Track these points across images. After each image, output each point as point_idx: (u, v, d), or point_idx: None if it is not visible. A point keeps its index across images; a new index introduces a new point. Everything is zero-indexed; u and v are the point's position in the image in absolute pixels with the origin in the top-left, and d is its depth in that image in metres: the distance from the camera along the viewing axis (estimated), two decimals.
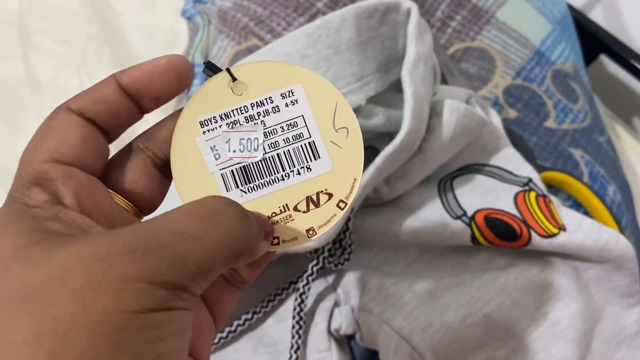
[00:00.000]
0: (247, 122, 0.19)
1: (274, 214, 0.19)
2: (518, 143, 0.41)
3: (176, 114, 0.19)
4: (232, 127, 0.19)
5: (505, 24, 0.48)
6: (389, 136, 0.33)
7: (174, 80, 0.18)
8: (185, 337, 0.14)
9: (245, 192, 0.19)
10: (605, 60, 0.62)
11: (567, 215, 0.35)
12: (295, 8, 0.46)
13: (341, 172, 0.19)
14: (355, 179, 0.19)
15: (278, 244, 0.19)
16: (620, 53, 0.57)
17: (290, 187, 0.19)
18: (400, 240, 0.35)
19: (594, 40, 0.58)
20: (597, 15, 0.66)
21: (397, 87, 0.33)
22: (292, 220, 0.19)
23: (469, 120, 0.34)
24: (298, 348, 0.31)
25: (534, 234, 0.33)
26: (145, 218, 0.19)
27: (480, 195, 0.36)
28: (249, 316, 0.33)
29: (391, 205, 0.36)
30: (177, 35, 0.62)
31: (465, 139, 0.36)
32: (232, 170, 0.19)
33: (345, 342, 0.34)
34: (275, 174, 0.19)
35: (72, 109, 0.17)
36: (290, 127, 0.19)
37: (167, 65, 0.18)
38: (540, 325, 0.34)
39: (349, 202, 0.19)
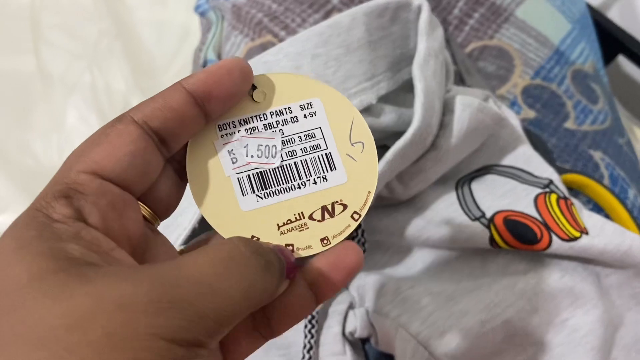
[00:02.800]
0: (265, 130, 0.20)
1: (289, 221, 0.19)
2: (537, 144, 0.40)
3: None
4: (250, 133, 0.19)
5: (524, 22, 0.47)
6: (402, 135, 0.33)
7: (240, 78, 0.18)
8: None
9: (261, 198, 0.19)
10: (623, 60, 0.61)
11: (589, 218, 0.34)
12: (311, 4, 0.46)
13: (356, 185, 0.20)
14: (369, 192, 0.20)
15: (292, 251, 0.19)
16: (639, 54, 0.56)
17: (306, 195, 0.19)
18: (417, 242, 0.34)
19: (612, 41, 0.57)
20: (615, 15, 0.65)
21: (409, 87, 0.32)
22: (307, 228, 0.19)
23: (483, 116, 0.34)
24: (311, 348, 0.30)
25: (554, 238, 0.32)
26: (162, 224, 0.19)
27: (500, 196, 0.35)
28: None
29: (407, 206, 0.35)
30: (189, 31, 0.61)
31: (481, 135, 0.35)
32: (248, 175, 0.19)
33: (359, 345, 0.33)
34: (292, 181, 0.19)
35: (135, 119, 0.16)
36: (308, 138, 0.20)
37: (233, 64, 0.18)
38: (560, 332, 0.33)
39: (363, 214, 0.19)
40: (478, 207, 0.34)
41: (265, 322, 0.18)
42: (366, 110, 0.31)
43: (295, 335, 0.32)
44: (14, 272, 0.13)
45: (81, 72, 0.58)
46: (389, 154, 0.30)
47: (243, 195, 0.19)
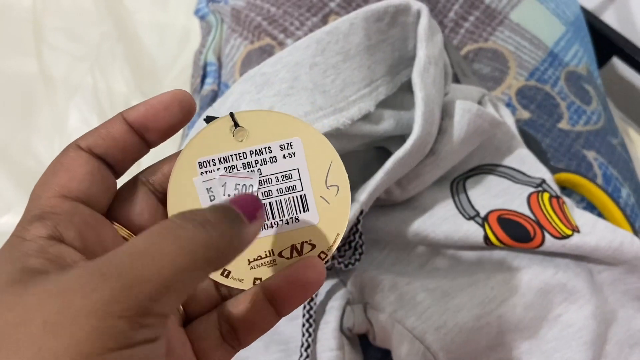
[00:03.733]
0: (244, 168, 0.20)
1: (259, 257, 0.20)
2: (532, 144, 0.41)
3: (179, 153, 0.19)
4: (229, 172, 0.20)
5: (518, 25, 0.48)
6: (400, 138, 0.33)
7: (178, 112, 0.18)
8: None
9: None
10: (617, 62, 0.62)
11: (580, 216, 0.34)
12: (309, 8, 0.46)
13: (326, 226, 0.20)
14: (338, 234, 0.20)
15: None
16: (633, 55, 0.57)
17: (278, 234, 0.20)
18: (413, 240, 0.35)
19: (606, 43, 0.58)
20: (610, 18, 0.66)
21: (408, 87, 0.32)
22: (276, 264, 0.20)
23: (481, 121, 0.34)
24: (309, 346, 0.31)
25: (547, 236, 0.33)
26: None
27: (494, 196, 0.36)
28: None
29: (404, 206, 0.36)
30: (190, 34, 0.62)
31: (478, 139, 0.36)
32: None
33: (357, 340, 0.34)
34: (265, 221, 0.20)
35: (81, 146, 0.18)
36: (284, 179, 0.20)
37: (171, 99, 0.18)
38: (554, 327, 0.34)
39: (330, 255, 0.20)
40: (472, 207, 0.35)
41: (233, 336, 0.19)
42: (365, 118, 0.31)
43: (293, 331, 0.33)
44: None
45: (83, 74, 0.59)
46: (388, 164, 0.30)
47: None
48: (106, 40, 0.61)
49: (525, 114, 0.44)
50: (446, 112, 0.33)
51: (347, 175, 0.20)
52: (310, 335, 0.31)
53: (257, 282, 0.20)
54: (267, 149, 0.20)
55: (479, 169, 0.38)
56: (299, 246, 0.20)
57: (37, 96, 0.58)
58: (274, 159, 0.20)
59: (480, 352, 0.33)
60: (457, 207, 0.35)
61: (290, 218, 0.20)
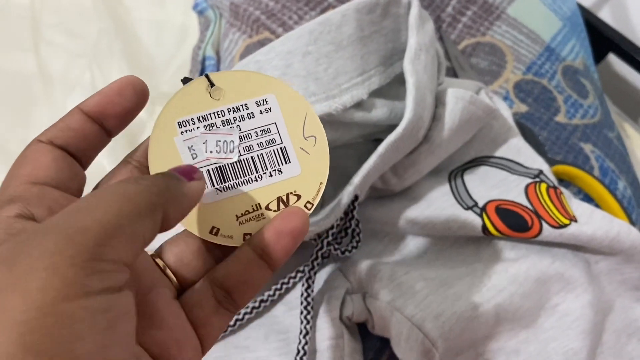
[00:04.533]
0: (223, 126, 0.20)
1: (247, 212, 0.20)
2: (529, 137, 0.41)
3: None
4: (209, 130, 0.20)
5: (515, 20, 0.49)
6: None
7: (132, 96, 0.19)
8: (116, 332, 0.13)
9: (221, 191, 0.20)
10: (613, 59, 0.62)
11: (578, 206, 0.35)
12: (307, 2, 0.47)
13: (309, 176, 0.21)
14: (321, 183, 0.21)
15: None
16: (629, 52, 0.57)
17: (263, 187, 0.20)
18: (412, 230, 0.35)
19: (602, 39, 0.59)
20: (606, 15, 0.66)
21: (402, 80, 0.33)
22: (264, 218, 0.20)
23: (475, 108, 0.35)
24: (307, 333, 0.31)
25: (545, 225, 0.33)
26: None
27: (491, 186, 0.36)
28: (257, 304, 0.33)
29: (402, 196, 0.36)
30: (188, 30, 0.62)
31: (473, 127, 0.36)
32: (208, 170, 0.20)
33: (356, 329, 0.34)
34: (249, 175, 0.20)
35: (41, 140, 0.19)
36: (263, 133, 0.21)
37: (123, 84, 0.19)
38: (552, 316, 0.34)
39: (315, 203, 0.21)
40: (471, 197, 0.35)
41: (227, 298, 0.19)
42: (358, 105, 0.31)
43: (293, 320, 0.33)
44: None
45: (81, 71, 0.59)
46: (381, 147, 0.30)
47: None
48: (104, 36, 0.61)
49: (522, 108, 0.45)
50: (440, 101, 0.34)
51: (322, 125, 0.21)
52: (308, 322, 0.31)
53: (247, 237, 0.20)
54: (243, 105, 0.20)
55: (476, 160, 0.38)
56: (284, 197, 0.20)
57: (35, 93, 0.58)
58: (251, 115, 0.21)
59: (478, 340, 0.33)
60: (455, 198, 0.35)
61: (273, 170, 0.21)
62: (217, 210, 0.20)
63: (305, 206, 0.21)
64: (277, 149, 0.21)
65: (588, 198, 0.41)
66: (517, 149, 0.38)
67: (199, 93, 0.20)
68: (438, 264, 0.34)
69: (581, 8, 0.57)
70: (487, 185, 0.36)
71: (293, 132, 0.21)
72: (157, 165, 0.19)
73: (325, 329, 0.32)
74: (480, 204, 0.34)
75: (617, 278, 0.36)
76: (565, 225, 0.33)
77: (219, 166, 0.20)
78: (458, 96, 0.34)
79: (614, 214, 0.39)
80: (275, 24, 0.46)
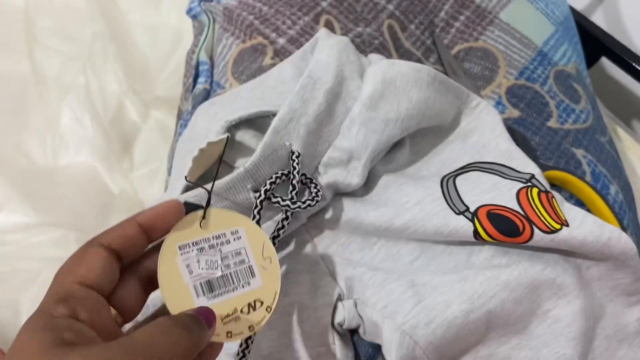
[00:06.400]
0: (209, 249, 0.27)
1: (228, 315, 0.26)
2: (521, 142, 0.41)
3: (157, 247, 0.26)
4: (200, 252, 0.27)
5: (508, 25, 0.49)
6: None
7: (174, 217, 0.26)
8: None
9: (210, 299, 0.26)
10: (606, 62, 0.62)
11: (569, 211, 0.35)
12: (300, 7, 0.47)
13: (268, 287, 0.28)
14: (276, 292, 0.28)
15: (231, 337, 0.26)
16: (622, 56, 0.58)
17: (238, 296, 0.27)
18: (403, 235, 0.35)
19: (595, 43, 0.59)
20: (598, 18, 0.67)
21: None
22: (239, 320, 0.27)
23: (397, 68, 0.36)
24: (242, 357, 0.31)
25: (536, 230, 0.33)
26: (126, 326, 0.27)
27: (483, 191, 0.36)
28: None
29: (394, 201, 0.36)
30: (182, 34, 0.62)
31: (415, 87, 0.36)
32: (200, 283, 0.26)
33: (348, 336, 0.34)
34: (228, 286, 0.27)
35: (102, 243, 0.24)
36: (236, 255, 0.28)
37: (173, 208, 0.26)
38: (543, 322, 0.34)
39: (273, 307, 0.27)
40: (462, 202, 0.35)
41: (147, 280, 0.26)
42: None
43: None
44: (32, 348, 0.20)
45: (75, 74, 0.59)
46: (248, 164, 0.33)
47: (197, 297, 0.26)
48: (98, 39, 0.61)
49: (515, 113, 0.45)
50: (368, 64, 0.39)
51: (275, 250, 0.29)
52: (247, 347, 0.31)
53: (229, 334, 0.26)
54: (222, 234, 0.28)
55: (468, 166, 0.38)
56: (252, 303, 0.27)
57: (29, 96, 0.58)
58: (228, 242, 0.28)
59: (470, 347, 0.33)
60: (447, 202, 0.35)
61: (244, 283, 0.27)
62: None
63: (266, 309, 0.27)
64: (246, 267, 0.28)
65: (580, 203, 0.42)
66: (509, 153, 0.39)
67: (193, 223, 0.27)
68: (430, 270, 0.34)
69: (574, 12, 0.57)
70: (479, 190, 0.36)
71: (256, 254, 0.28)
72: (164, 278, 0.25)
73: (316, 336, 0.32)
74: (472, 208, 0.34)
75: (609, 284, 0.36)
76: (556, 230, 0.33)
77: (208, 280, 0.27)
78: (380, 57, 0.38)
79: (605, 219, 0.39)
80: (268, 29, 0.46)
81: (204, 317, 0.24)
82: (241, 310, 0.27)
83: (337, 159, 0.35)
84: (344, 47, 0.39)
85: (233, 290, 0.27)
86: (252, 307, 0.27)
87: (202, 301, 0.26)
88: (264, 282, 0.28)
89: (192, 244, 0.27)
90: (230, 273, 0.27)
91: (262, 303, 0.27)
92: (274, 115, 0.35)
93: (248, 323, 0.27)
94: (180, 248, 0.27)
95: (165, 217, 0.26)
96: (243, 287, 0.27)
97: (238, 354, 0.30)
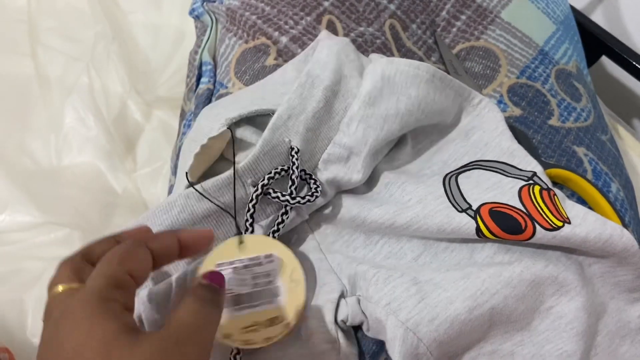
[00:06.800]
0: (243, 268, 0.31)
1: (248, 326, 0.30)
2: (523, 140, 0.42)
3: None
4: (234, 270, 0.31)
5: (509, 24, 0.49)
6: None
7: (206, 245, 0.29)
8: None
9: (235, 311, 0.30)
10: (606, 61, 0.62)
11: (572, 208, 0.35)
12: (303, 7, 0.47)
13: (291, 305, 0.31)
14: (298, 310, 0.31)
15: (246, 344, 0.30)
16: (622, 54, 0.58)
17: (260, 311, 0.31)
18: (406, 232, 0.35)
19: (595, 42, 0.59)
20: (599, 17, 0.67)
21: None
22: (259, 331, 0.30)
23: (395, 66, 0.36)
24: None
25: (538, 227, 0.33)
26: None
27: (486, 189, 0.36)
28: None
29: (397, 199, 0.36)
30: (184, 35, 0.62)
31: (412, 85, 0.36)
32: (229, 297, 0.31)
33: (352, 333, 0.34)
34: (253, 302, 0.31)
35: (149, 247, 0.26)
36: (266, 276, 0.32)
37: (207, 237, 0.29)
38: (546, 319, 0.34)
39: (292, 324, 0.31)
40: (465, 200, 0.35)
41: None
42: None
43: None
44: (97, 335, 0.21)
45: (78, 74, 0.59)
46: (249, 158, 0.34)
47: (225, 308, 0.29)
48: (101, 40, 0.61)
49: (517, 111, 0.45)
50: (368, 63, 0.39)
51: (303, 275, 0.32)
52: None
53: (245, 342, 0.30)
54: (257, 257, 0.32)
55: (470, 165, 0.38)
56: (273, 319, 0.31)
57: (32, 96, 0.59)
58: (260, 264, 0.32)
59: (473, 343, 0.33)
60: (449, 200, 0.35)
61: (268, 300, 0.31)
62: (232, 323, 0.30)
63: (285, 325, 0.31)
64: (273, 287, 0.31)
65: (581, 201, 0.42)
66: (511, 151, 0.39)
67: (232, 246, 0.32)
68: (432, 267, 0.35)
69: (574, 11, 0.57)
70: (481, 188, 0.36)
71: (284, 276, 0.32)
72: None
73: (320, 333, 0.32)
74: (474, 206, 0.35)
75: (611, 280, 0.37)
76: (558, 228, 0.33)
77: (236, 295, 0.31)
78: (379, 56, 0.39)
79: (607, 217, 0.40)
80: (271, 29, 0.46)
81: (215, 282, 0.26)
82: (261, 324, 0.30)
83: (337, 155, 0.36)
84: (344, 46, 0.39)
85: (257, 305, 0.31)
86: (272, 321, 0.31)
87: (227, 312, 0.30)
88: (287, 301, 0.31)
89: (229, 263, 0.31)
90: (257, 291, 0.31)
91: (282, 319, 0.31)
92: (274, 113, 0.35)
93: (264, 335, 0.30)
94: (218, 265, 0.31)
95: (200, 241, 0.29)
96: (267, 304, 0.31)
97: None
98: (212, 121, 0.37)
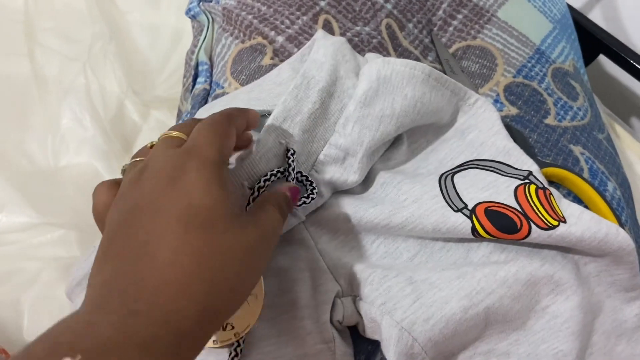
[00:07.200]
0: None
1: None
2: (519, 139, 0.42)
3: None
4: None
5: (506, 23, 0.49)
6: None
7: (249, 143, 0.33)
8: None
9: None
10: (604, 60, 0.62)
11: (567, 207, 0.35)
12: (299, 7, 0.47)
13: (244, 317, 0.31)
14: (249, 325, 0.31)
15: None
16: (619, 53, 0.58)
17: None
18: (402, 232, 0.35)
19: (593, 41, 0.59)
20: (596, 16, 0.67)
21: None
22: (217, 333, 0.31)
23: (391, 66, 0.36)
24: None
25: (533, 227, 0.33)
26: None
27: (481, 189, 0.36)
28: None
29: (392, 199, 0.36)
30: (182, 35, 0.62)
31: (409, 85, 0.36)
32: None
33: (347, 332, 0.34)
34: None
35: (236, 127, 0.29)
36: None
37: (249, 137, 0.33)
38: (541, 318, 0.34)
39: (241, 335, 0.31)
40: (460, 199, 0.35)
41: None
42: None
43: None
44: (225, 205, 0.23)
45: (75, 74, 0.59)
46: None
47: None
48: (98, 40, 0.61)
49: (513, 110, 0.45)
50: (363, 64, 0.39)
51: (264, 291, 0.32)
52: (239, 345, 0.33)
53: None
54: None
55: (466, 164, 0.38)
56: (224, 326, 0.31)
57: (30, 96, 0.59)
58: None
59: (469, 343, 0.33)
60: (445, 200, 0.35)
61: None
62: None
63: (234, 334, 0.31)
64: None
65: (578, 200, 0.42)
66: (507, 150, 0.39)
67: None
68: (428, 267, 0.35)
69: (572, 9, 0.57)
70: (477, 187, 0.36)
71: None
72: None
73: (315, 333, 0.32)
74: (470, 205, 0.35)
75: (607, 279, 0.36)
76: (553, 227, 0.33)
77: None
78: (376, 56, 0.39)
79: (603, 216, 0.40)
80: (267, 28, 0.46)
81: (291, 194, 0.29)
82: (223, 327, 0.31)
83: (333, 156, 0.36)
84: (340, 47, 0.39)
85: None
86: (223, 327, 0.31)
87: None
88: (241, 313, 0.31)
89: None
90: None
91: (233, 327, 0.31)
92: (270, 114, 0.35)
93: (213, 337, 0.31)
94: None
95: (248, 137, 0.32)
96: None
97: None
98: None
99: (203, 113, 0.42)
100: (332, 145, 0.36)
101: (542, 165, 0.40)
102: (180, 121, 0.49)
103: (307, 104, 0.35)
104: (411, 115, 0.37)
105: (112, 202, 0.24)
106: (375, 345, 0.34)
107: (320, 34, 0.41)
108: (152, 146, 0.28)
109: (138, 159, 0.27)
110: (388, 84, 0.36)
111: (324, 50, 0.38)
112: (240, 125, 0.29)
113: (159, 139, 0.27)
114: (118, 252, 0.21)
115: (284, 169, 0.33)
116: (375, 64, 0.36)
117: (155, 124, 0.59)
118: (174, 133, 0.27)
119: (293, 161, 0.33)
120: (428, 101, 0.37)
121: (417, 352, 0.31)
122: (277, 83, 0.41)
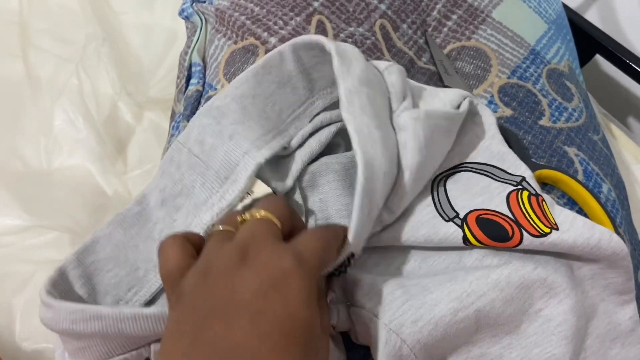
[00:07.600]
0: None
1: None
2: (513, 141, 0.41)
3: None
4: None
5: (500, 24, 0.49)
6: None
7: None
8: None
9: None
10: (600, 60, 0.62)
11: (560, 213, 0.35)
12: (292, 7, 0.47)
13: None
14: None
15: None
16: (615, 53, 0.58)
17: None
18: (394, 243, 0.35)
19: (589, 41, 0.59)
20: (592, 16, 0.67)
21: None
22: None
23: (434, 121, 0.34)
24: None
25: (525, 234, 0.33)
26: None
27: (474, 195, 0.36)
28: None
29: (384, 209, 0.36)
30: (176, 35, 0.62)
31: (445, 137, 0.36)
32: None
33: (340, 338, 0.34)
34: None
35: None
36: None
37: None
38: (534, 322, 0.34)
39: None
40: (452, 208, 0.35)
41: None
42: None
43: None
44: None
45: (69, 76, 0.59)
46: (355, 216, 0.28)
47: None
48: (92, 41, 0.61)
49: (507, 112, 0.45)
50: (399, 127, 0.34)
51: None
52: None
53: None
54: None
55: (459, 167, 0.38)
56: None
57: (23, 98, 0.58)
58: None
59: (460, 346, 0.33)
60: (437, 209, 0.35)
61: None
62: None
63: None
64: None
65: (572, 202, 0.42)
66: (501, 155, 0.38)
67: None
68: (421, 272, 0.34)
69: (568, 9, 0.57)
70: (469, 193, 0.36)
71: None
72: None
73: None
74: (462, 214, 0.34)
75: (601, 282, 0.36)
76: (546, 234, 0.33)
77: None
78: (414, 117, 0.34)
79: (597, 218, 0.39)
80: (260, 29, 0.46)
81: (342, 230, 0.28)
82: None
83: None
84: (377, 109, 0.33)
85: None
86: None
87: None
88: None
89: None
90: None
91: None
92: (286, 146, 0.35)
93: None
94: None
95: None
96: None
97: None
98: (226, 144, 0.34)
99: (209, 127, 0.38)
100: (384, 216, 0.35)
101: (536, 167, 0.40)
102: (174, 123, 0.49)
103: (379, 192, 0.32)
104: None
105: (195, 272, 0.23)
106: (368, 351, 0.34)
107: (333, 51, 0.33)
108: (242, 220, 0.27)
109: (227, 227, 0.26)
110: (431, 147, 0.34)
111: (372, 142, 0.32)
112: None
113: (254, 220, 0.26)
114: (210, 344, 0.20)
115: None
116: (417, 126, 0.33)
117: (148, 125, 0.58)
118: (279, 223, 0.26)
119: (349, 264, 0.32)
120: (448, 144, 0.38)
121: (405, 354, 0.30)
122: (277, 82, 0.36)
